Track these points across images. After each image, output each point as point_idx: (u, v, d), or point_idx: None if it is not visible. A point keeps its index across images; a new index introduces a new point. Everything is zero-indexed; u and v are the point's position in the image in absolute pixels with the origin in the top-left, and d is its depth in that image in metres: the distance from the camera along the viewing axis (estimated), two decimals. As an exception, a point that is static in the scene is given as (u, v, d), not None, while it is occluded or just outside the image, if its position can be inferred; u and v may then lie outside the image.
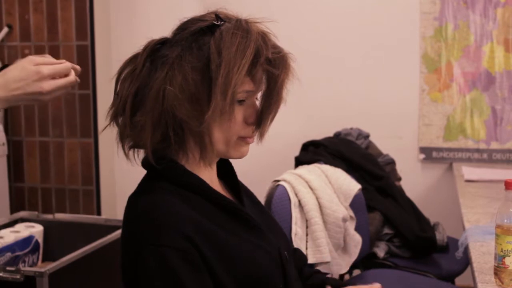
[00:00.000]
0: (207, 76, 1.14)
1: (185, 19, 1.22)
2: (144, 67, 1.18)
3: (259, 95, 1.22)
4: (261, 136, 1.24)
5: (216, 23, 1.17)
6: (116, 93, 1.22)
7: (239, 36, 1.14)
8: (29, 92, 1.22)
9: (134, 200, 1.21)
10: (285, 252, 1.30)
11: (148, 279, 1.11)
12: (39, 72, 1.22)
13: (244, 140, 1.23)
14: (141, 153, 1.25)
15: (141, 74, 1.18)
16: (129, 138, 1.21)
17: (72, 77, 1.27)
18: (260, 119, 1.21)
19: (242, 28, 1.15)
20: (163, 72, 1.15)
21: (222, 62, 1.12)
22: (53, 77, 1.24)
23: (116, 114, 1.21)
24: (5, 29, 3.59)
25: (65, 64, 1.26)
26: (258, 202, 1.39)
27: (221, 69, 1.12)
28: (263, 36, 1.17)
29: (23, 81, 1.21)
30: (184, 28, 1.20)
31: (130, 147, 1.22)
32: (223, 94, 1.13)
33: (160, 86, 1.14)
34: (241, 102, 1.19)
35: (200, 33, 1.17)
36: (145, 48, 1.20)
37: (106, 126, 1.23)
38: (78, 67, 1.30)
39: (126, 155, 1.22)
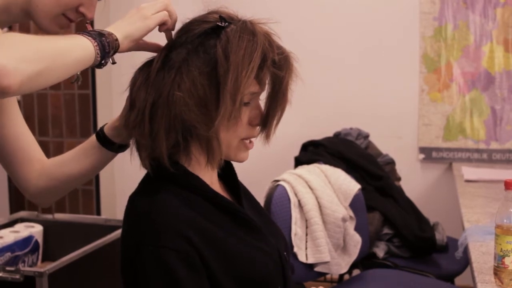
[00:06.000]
0: (214, 80, 1.13)
1: (187, 20, 1.20)
2: (157, 75, 1.16)
3: (262, 95, 1.22)
4: (267, 137, 1.24)
5: (220, 24, 1.16)
6: (131, 103, 1.18)
7: (246, 40, 1.13)
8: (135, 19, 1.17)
9: (134, 200, 1.20)
10: (284, 253, 1.30)
11: (147, 279, 1.11)
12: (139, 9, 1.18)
13: (244, 144, 1.22)
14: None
15: (155, 82, 1.15)
16: (145, 147, 1.18)
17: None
18: (266, 121, 1.21)
19: (248, 31, 1.14)
20: (170, 77, 1.13)
21: (230, 67, 1.11)
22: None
23: (134, 126, 1.17)
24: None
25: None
26: (257, 203, 1.39)
27: (229, 74, 1.11)
28: (268, 38, 1.16)
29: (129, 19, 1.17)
30: (187, 30, 1.18)
31: (147, 157, 1.18)
32: (233, 99, 1.12)
33: (169, 91, 1.13)
34: (246, 104, 1.18)
35: (205, 36, 1.15)
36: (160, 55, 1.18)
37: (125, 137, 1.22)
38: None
39: (145, 166, 1.20)
